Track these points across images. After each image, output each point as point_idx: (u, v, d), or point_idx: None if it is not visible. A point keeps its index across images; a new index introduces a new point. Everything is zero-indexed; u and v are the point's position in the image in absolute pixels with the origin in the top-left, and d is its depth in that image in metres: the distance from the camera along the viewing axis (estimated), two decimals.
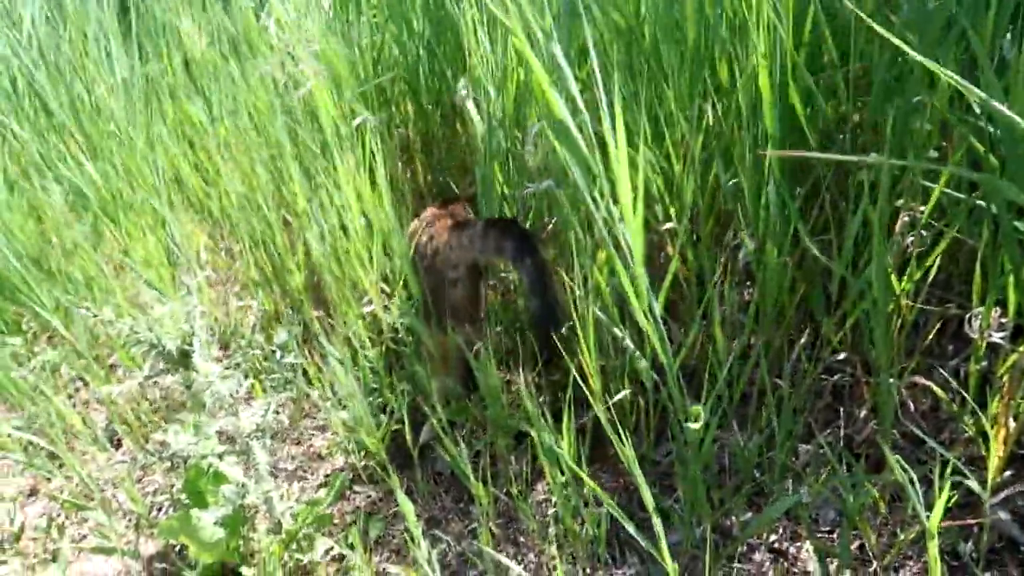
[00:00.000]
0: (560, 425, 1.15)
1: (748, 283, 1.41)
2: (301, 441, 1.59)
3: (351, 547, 1.22)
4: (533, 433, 1.15)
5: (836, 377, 1.31)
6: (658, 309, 0.97)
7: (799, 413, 1.24)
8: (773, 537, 1.21)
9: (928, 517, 0.84)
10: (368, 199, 1.51)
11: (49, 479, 1.66)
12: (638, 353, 1.11)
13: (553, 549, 1.21)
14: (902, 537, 1.07)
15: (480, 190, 1.44)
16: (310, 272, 1.60)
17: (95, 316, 1.05)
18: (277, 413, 1.27)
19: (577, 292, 1.19)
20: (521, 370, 1.30)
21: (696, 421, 0.95)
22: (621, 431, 1.00)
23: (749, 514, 1.24)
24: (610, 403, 1.31)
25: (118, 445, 1.68)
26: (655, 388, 1.26)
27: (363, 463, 1.49)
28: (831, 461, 1.18)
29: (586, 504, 1.24)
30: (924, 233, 1.15)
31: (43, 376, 1.73)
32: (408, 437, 1.51)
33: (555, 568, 1.20)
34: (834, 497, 1.20)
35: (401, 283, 1.50)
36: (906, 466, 0.90)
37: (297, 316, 1.50)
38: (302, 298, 1.55)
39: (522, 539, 1.31)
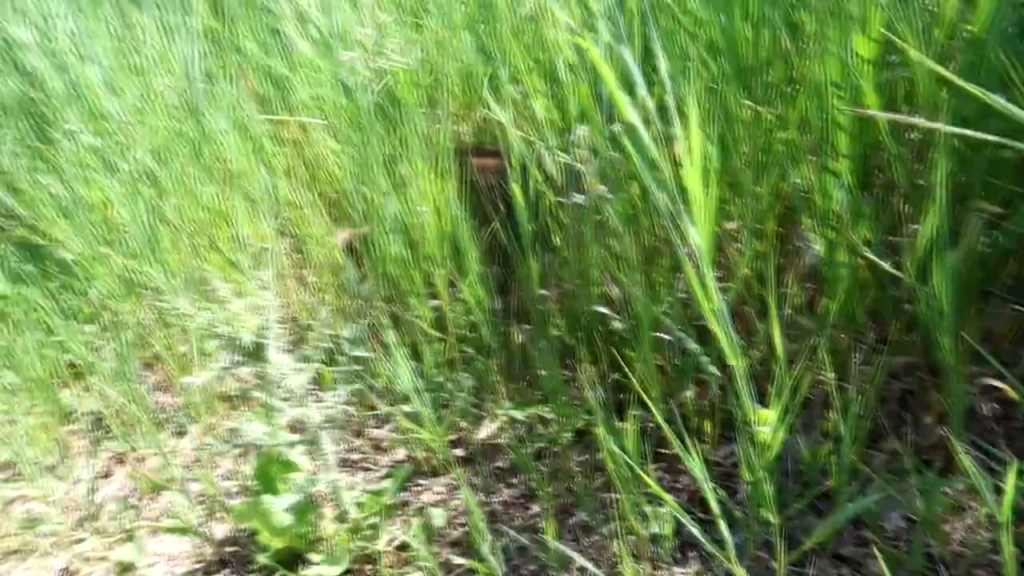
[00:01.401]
0: (624, 422, 1.17)
1: (811, 284, 1.40)
2: (363, 433, 1.63)
3: (415, 537, 1.26)
4: (597, 430, 1.16)
5: (903, 381, 1.30)
6: (727, 311, 0.97)
7: (865, 417, 1.24)
8: (837, 543, 1.21)
9: (1002, 521, 0.83)
10: (439, 194, 1.55)
11: (123, 461, 1.75)
12: (704, 355, 1.12)
13: (615, 546, 1.23)
14: (974, 544, 1.06)
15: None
16: (379, 267, 1.63)
17: (174, 309, 1.10)
18: (346, 405, 1.30)
19: (633, 296, 1.20)
20: (580, 365, 1.32)
21: (765, 424, 0.95)
22: (684, 432, 1.02)
23: (812, 519, 1.24)
24: (671, 404, 1.33)
25: (182, 434, 1.76)
26: (720, 389, 1.27)
27: (424, 456, 1.53)
28: (901, 466, 1.18)
29: (649, 502, 1.25)
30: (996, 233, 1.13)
31: (118, 363, 1.81)
32: (469, 432, 1.56)
33: (619, 562, 1.21)
34: (900, 503, 1.19)
35: (469, 279, 1.53)
36: (980, 471, 0.90)
37: (364, 308, 1.54)
38: (369, 292, 1.59)
39: (583, 535, 1.33)
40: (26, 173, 2.12)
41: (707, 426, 1.36)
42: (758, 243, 1.31)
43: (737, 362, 0.93)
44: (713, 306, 0.87)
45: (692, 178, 0.86)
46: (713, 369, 1.14)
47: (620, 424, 1.22)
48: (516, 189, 1.42)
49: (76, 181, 1.91)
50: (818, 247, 1.22)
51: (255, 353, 1.16)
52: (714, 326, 0.90)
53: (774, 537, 1.17)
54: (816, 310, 1.24)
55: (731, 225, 1.37)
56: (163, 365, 1.86)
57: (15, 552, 1.55)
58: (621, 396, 1.41)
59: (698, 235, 0.92)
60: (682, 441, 1.08)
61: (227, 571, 1.42)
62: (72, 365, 1.99)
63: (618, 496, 1.25)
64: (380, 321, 1.57)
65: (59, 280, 1.97)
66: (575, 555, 1.12)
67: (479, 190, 1.63)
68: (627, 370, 1.44)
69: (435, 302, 1.61)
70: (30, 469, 1.67)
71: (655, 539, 1.24)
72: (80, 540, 1.53)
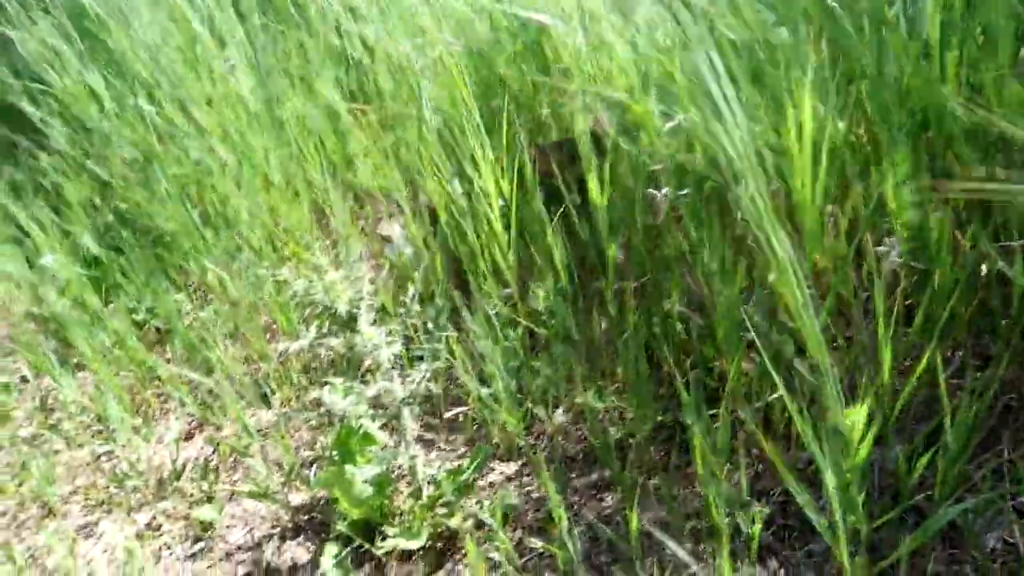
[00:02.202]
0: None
1: (909, 287, 1.36)
2: (440, 413, 1.65)
3: (491, 516, 1.27)
4: (686, 421, 1.15)
5: (1005, 397, 1.25)
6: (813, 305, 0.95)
7: (973, 427, 1.20)
8: (925, 559, 1.17)
9: None
10: (505, 182, 1.56)
11: (202, 426, 1.81)
12: (795, 355, 1.10)
13: (692, 542, 1.22)
14: None
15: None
16: (450, 254, 1.65)
17: (273, 275, 1.13)
18: (430, 382, 1.32)
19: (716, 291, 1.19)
20: (669, 356, 1.31)
21: (854, 423, 0.93)
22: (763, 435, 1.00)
23: (900, 533, 1.21)
24: (755, 405, 1.31)
25: (262, 403, 1.81)
26: (805, 391, 1.24)
27: (499, 439, 1.54)
28: (1004, 481, 1.13)
29: (730, 502, 1.24)
30: None
31: (205, 331, 1.88)
32: (544, 418, 1.56)
33: (712, 557, 1.20)
34: (1001, 522, 1.15)
35: (540, 266, 1.54)
36: None
37: (442, 290, 1.56)
38: (446, 279, 1.61)
39: (660, 529, 1.33)
40: (117, 146, 2.22)
41: (791, 430, 1.34)
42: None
43: (823, 357, 0.91)
44: (801, 298, 0.86)
45: (803, 160, 0.85)
46: (800, 367, 1.12)
47: (707, 419, 1.20)
48: (592, 180, 1.42)
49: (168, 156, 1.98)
50: (899, 248, 1.18)
51: (347, 324, 1.19)
52: (807, 323, 0.88)
53: (858, 547, 1.14)
54: (916, 317, 1.20)
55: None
56: (246, 337, 1.92)
57: (102, 504, 1.62)
58: (704, 393, 1.39)
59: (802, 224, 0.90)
60: (765, 441, 1.06)
61: (302, 538, 1.46)
62: (158, 331, 2.07)
63: (701, 491, 1.24)
64: (459, 304, 1.59)
65: (151, 249, 2.04)
66: (668, 541, 1.11)
67: (553, 177, 1.64)
68: (710, 366, 1.43)
69: (508, 291, 1.62)
70: (117, 428, 1.74)
71: (736, 537, 1.22)
72: (163, 498, 1.59)
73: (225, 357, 1.82)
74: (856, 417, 0.96)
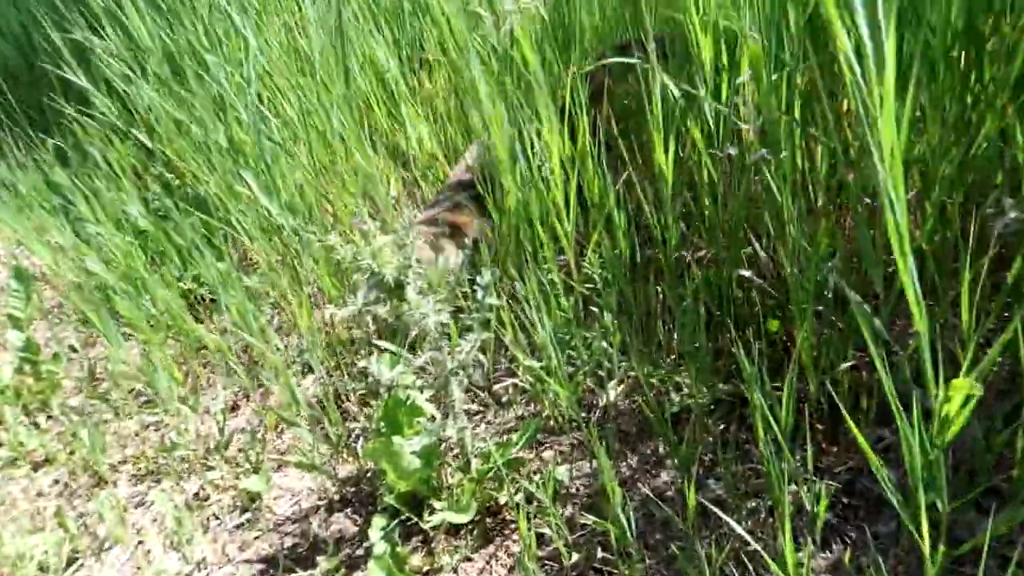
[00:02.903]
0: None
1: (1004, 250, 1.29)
2: (489, 385, 1.64)
3: (541, 491, 1.25)
4: (748, 394, 1.12)
5: None
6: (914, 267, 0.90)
7: None
8: (1001, 545, 1.12)
9: None
10: (566, 146, 1.52)
11: (248, 396, 1.82)
12: (876, 320, 1.04)
13: (755, 520, 1.19)
14: None
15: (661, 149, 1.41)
16: (507, 218, 1.62)
17: (320, 240, 1.12)
18: (480, 352, 1.31)
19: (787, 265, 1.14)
20: (733, 326, 1.27)
21: (958, 394, 0.88)
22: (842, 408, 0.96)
23: (975, 515, 1.16)
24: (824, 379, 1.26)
25: (307, 374, 1.82)
26: (888, 360, 1.19)
27: (550, 412, 1.52)
28: None
29: (793, 479, 1.20)
30: None
31: (251, 299, 1.89)
32: (596, 391, 1.54)
33: (773, 537, 1.17)
34: None
35: (598, 233, 1.50)
36: None
37: (494, 256, 1.54)
38: (498, 244, 1.59)
39: (714, 509, 1.29)
40: (163, 111, 2.23)
41: (864, 404, 1.29)
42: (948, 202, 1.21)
43: (923, 325, 0.86)
44: (905, 255, 0.80)
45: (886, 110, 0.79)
46: (884, 333, 1.07)
47: (771, 391, 1.16)
48: (656, 136, 1.37)
49: (209, 116, 1.98)
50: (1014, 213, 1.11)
51: (394, 292, 1.17)
52: (907, 284, 0.83)
53: (939, 529, 1.10)
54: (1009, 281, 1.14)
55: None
56: (289, 307, 1.93)
57: (151, 473, 1.65)
58: (766, 366, 1.35)
59: (891, 180, 0.85)
60: (841, 416, 1.02)
61: (349, 510, 1.47)
62: (203, 300, 2.09)
63: (763, 468, 1.20)
64: (510, 272, 1.56)
65: (195, 216, 2.06)
66: (727, 518, 1.08)
67: (613, 136, 1.59)
68: (773, 339, 1.39)
69: (563, 258, 1.59)
70: (165, 398, 1.77)
71: (799, 515, 1.18)
72: (210, 468, 1.62)
73: (271, 326, 1.83)
74: (958, 391, 0.90)
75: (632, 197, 1.57)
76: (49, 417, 1.89)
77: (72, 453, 1.75)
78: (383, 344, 1.27)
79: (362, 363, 1.37)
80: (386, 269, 1.14)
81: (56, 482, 1.71)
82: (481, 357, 1.31)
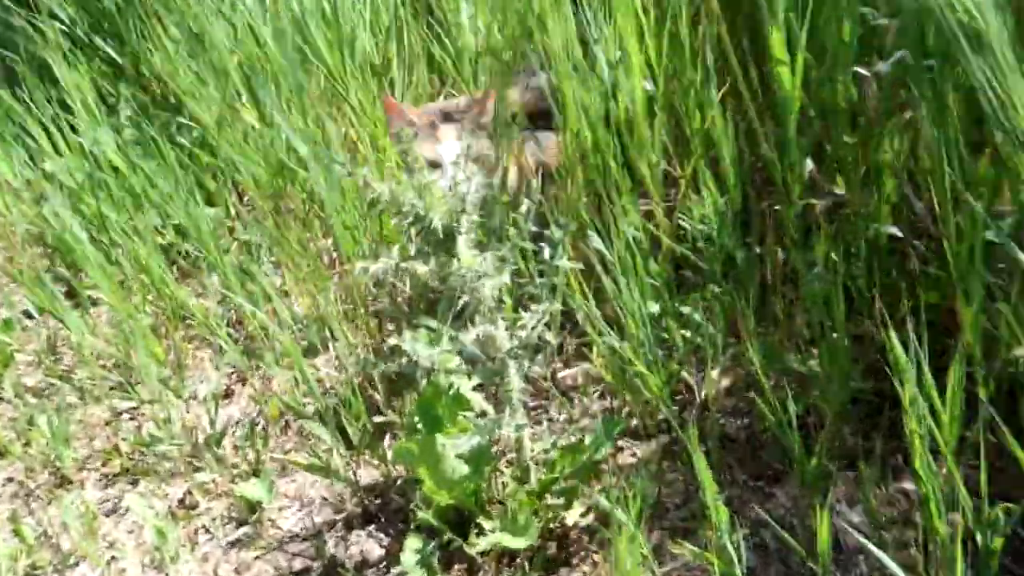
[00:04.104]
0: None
1: None
2: (553, 370, 1.63)
3: (620, 511, 1.23)
4: (899, 392, 1.07)
5: None
6: None
7: None
8: None
9: None
10: (655, 54, 1.49)
11: (245, 379, 1.83)
12: None
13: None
14: None
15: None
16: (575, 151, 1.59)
17: (350, 174, 1.11)
18: (546, 328, 1.29)
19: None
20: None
21: None
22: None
23: None
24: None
25: (318, 351, 1.83)
26: None
27: (632, 407, 1.50)
28: None
29: (952, 507, 1.16)
30: None
31: (249, 257, 1.90)
32: (695, 382, 1.51)
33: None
34: None
35: (693, 168, 1.46)
36: None
37: (565, 206, 1.51)
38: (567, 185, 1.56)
39: (851, 539, 1.26)
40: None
41: None
42: None
43: None
44: None
45: None
46: None
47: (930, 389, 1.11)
48: (777, 39, 1.32)
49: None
50: None
51: (441, 244, 1.15)
52: None
53: None
54: None
55: None
56: (296, 265, 1.92)
57: (126, 472, 1.67)
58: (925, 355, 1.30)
59: None
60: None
61: (373, 527, 1.47)
62: (187, 256, 2.10)
63: (918, 489, 1.16)
64: (583, 226, 1.54)
65: (183, 150, 2.07)
66: (878, 552, 1.05)
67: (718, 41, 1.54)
68: (932, 318, 1.34)
69: (646, 204, 1.57)
70: (142, 379, 1.79)
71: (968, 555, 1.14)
72: (199, 468, 1.63)
73: (274, 290, 1.84)
74: None
75: (743, 125, 1.53)
76: None
77: (28, 445, 1.78)
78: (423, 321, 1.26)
79: (392, 340, 1.36)
80: (434, 213, 1.12)
81: (10, 480, 1.74)
82: (547, 335, 1.29)
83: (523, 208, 1.25)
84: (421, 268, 1.18)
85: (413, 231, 1.14)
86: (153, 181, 2.07)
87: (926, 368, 1.08)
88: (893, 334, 1.08)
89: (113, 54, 2.54)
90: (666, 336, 1.50)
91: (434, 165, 1.54)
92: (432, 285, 1.22)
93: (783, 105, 1.39)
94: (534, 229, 1.26)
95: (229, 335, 1.85)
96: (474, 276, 1.17)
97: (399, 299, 1.72)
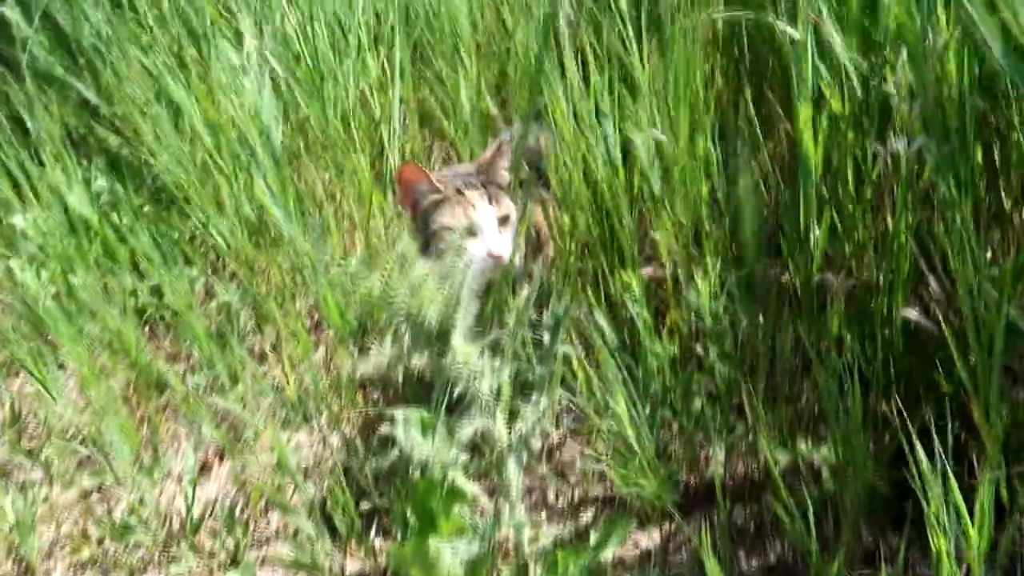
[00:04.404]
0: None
1: None
2: (551, 454, 1.60)
3: None
4: (928, 507, 1.04)
5: None
6: None
7: None
8: None
9: None
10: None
11: (223, 455, 1.77)
12: None
13: None
14: None
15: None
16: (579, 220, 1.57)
17: (339, 263, 1.08)
18: (544, 418, 1.25)
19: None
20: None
21: None
22: None
23: None
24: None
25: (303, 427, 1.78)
26: None
27: (634, 495, 1.45)
28: None
29: None
30: None
31: (227, 323, 1.85)
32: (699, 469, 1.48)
33: None
34: None
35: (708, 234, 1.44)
36: None
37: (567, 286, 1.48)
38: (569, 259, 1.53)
39: None
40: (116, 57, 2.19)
41: None
42: None
43: None
44: None
45: None
46: None
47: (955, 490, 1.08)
48: (803, 113, 1.29)
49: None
50: None
51: (437, 338, 1.12)
52: None
53: None
54: None
55: None
56: (278, 328, 1.88)
57: (94, 563, 1.62)
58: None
59: None
60: None
61: None
62: (163, 320, 2.05)
63: None
64: (583, 306, 1.51)
65: (155, 205, 2.02)
66: None
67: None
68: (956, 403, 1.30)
69: (649, 269, 1.55)
70: (114, 456, 1.74)
71: None
72: (175, 558, 1.58)
73: (252, 359, 1.79)
74: None
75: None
76: None
77: None
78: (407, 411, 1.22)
79: (384, 428, 1.31)
80: (428, 309, 1.08)
81: None
82: (550, 428, 1.25)
83: (523, 293, 1.22)
84: (415, 362, 1.15)
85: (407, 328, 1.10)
86: (127, 238, 2.02)
87: (951, 478, 1.05)
88: (918, 446, 1.04)
89: (88, 94, 2.48)
90: (670, 415, 1.47)
91: (471, 232, 1.49)
92: (427, 377, 1.18)
93: (804, 176, 1.36)
94: (534, 316, 1.23)
95: (208, 405, 1.79)
96: (472, 373, 1.13)
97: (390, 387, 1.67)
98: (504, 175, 1.55)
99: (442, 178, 1.55)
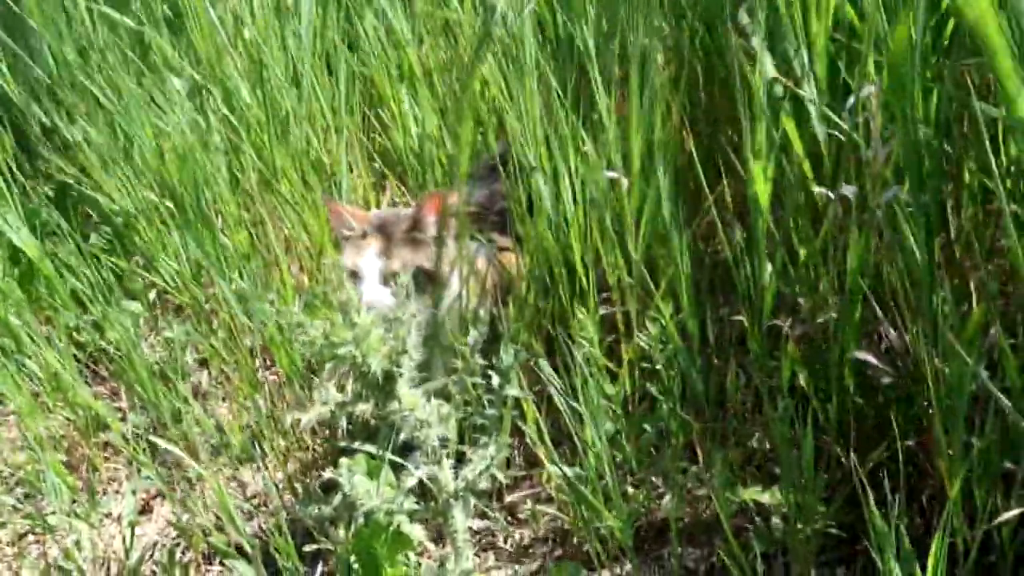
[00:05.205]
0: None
1: None
2: (500, 494, 1.61)
3: None
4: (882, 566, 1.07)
5: None
6: None
7: None
8: None
9: None
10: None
11: (163, 496, 1.77)
12: None
13: None
14: None
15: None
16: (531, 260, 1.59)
17: (278, 312, 1.09)
18: (495, 468, 1.27)
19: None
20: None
21: None
22: None
23: None
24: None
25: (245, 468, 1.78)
26: None
27: (581, 537, 1.48)
28: None
29: None
30: None
31: (167, 358, 1.85)
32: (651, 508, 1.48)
33: None
34: None
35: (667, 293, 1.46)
36: None
37: (514, 328, 1.50)
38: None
39: None
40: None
41: None
42: None
43: None
44: None
45: None
46: None
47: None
48: (756, 166, 1.32)
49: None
50: None
51: (382, 386, 1.13)
52: None
53: None
54: None
55: None
56: (221, 364, 1.89)
57: None
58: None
59: None
60: None
61: None
62: (106, 355, 2.04)
63: None
64: (533, 347, 1.53)
65: (100, 239, 2.02)
66: None
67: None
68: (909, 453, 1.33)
69: (606, 309, 1.56)
70: (50, 498, 1.72)
71: None
72: None
73: (194, 399, 1.79)
74: None
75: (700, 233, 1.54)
76: None
77: None
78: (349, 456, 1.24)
79: (328, 472, 1.32)
80: (372, 359, 1.09)
81: None
82: (498, 474, 1.27)
83: (470, 339, 1.24)
84: (360, 408, 1.16)
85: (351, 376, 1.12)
86: (63, 273, 2.01)
87: (905, 537, 1.08)
88: (873, 504, 1.07)
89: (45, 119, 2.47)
90: (621, 457, 1.49)
91: (353, 275, 1.53)
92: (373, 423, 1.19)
93: (753, 213, 1.38)
94: (482, 362, 1.25)
95: (148, 445, 1.78)
96: (418, 422, 1.15)
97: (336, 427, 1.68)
98: (430, 228, 1.57)
99: (360, 217, 1.59)
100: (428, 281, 1.53)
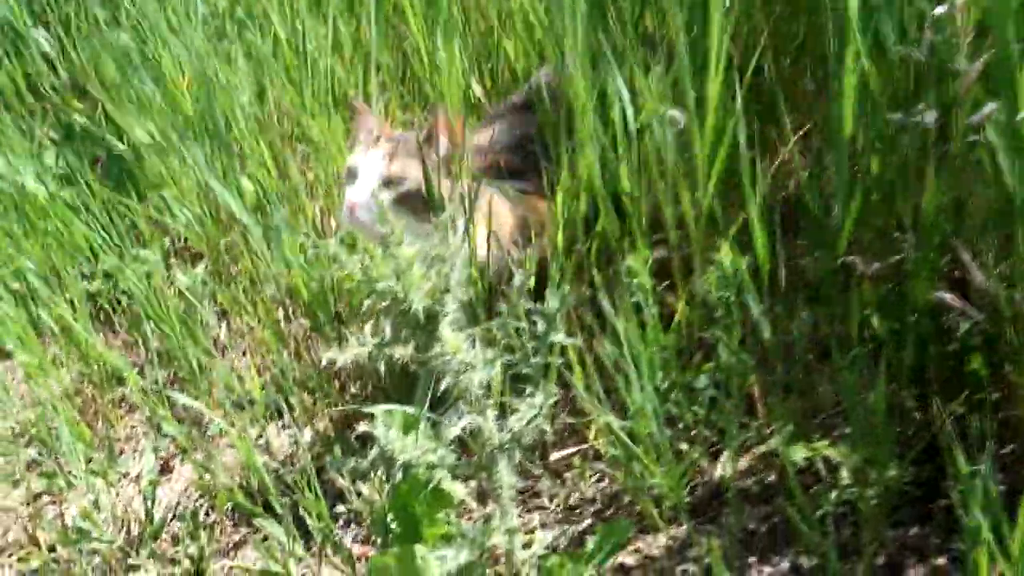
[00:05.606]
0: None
1: None
2: (545, 452, 1.58)
3: None
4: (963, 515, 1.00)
5: None
6: None
7: None
8: None
9: None
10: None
11: (186, 453, 1.73)
12: None
13: None
14: None
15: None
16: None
17: (315, 247, 1.04)
18: (542, 419, 1.21)
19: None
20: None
21: None
22: None
23: None
24: None
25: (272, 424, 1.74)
26: None
27: (633, 497, 1.43)
28: None
29: None
30: None
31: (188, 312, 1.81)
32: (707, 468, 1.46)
33: None
34: None
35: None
36: None
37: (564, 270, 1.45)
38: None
39: None
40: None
41: None
42: None
43: None
44: None
45: None
46: None
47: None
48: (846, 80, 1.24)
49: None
50: None
51: (423, 327, 1.07)
52: None
53: None
54: None
55: None
56: (243, 315, 1.85)
57: (42, 574, 1.58)
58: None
59: None
60: None
61: None
62: (118, 305, 2.01)
63: None
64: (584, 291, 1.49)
65: (114, 180, 1.98)
66: None
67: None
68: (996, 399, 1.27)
69: (660, 252, 1.50)
70: (65, 456, 1.70)
71: None
72: (134, 568, 1.54)
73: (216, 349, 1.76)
74: None
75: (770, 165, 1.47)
76: None
77: None
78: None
79: (362, 425, 1.28)
80: (414, 295, 1.03)
81: None
82: (546, 426, 1.21)
83: (515, 280, 1.17)
84: (399, 352, 1.11)
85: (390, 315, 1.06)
86: (78, 214, 1.97)
87: (993, 488, 1.01)
88: (959, 452, 1.00)
89: (48, 47, 2.44)
90: (676, 412, 1.43)
91: (350, 174, 1.52)
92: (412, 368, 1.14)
93: (832, 138, 1.32)
94: (527, 305, 1.19)
95: (167, 400, 1.75)
96: (461, 365, 1.10)
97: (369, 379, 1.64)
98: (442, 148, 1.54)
99: (383, 128, 1.59)
100: (425, 207, 1.50)
